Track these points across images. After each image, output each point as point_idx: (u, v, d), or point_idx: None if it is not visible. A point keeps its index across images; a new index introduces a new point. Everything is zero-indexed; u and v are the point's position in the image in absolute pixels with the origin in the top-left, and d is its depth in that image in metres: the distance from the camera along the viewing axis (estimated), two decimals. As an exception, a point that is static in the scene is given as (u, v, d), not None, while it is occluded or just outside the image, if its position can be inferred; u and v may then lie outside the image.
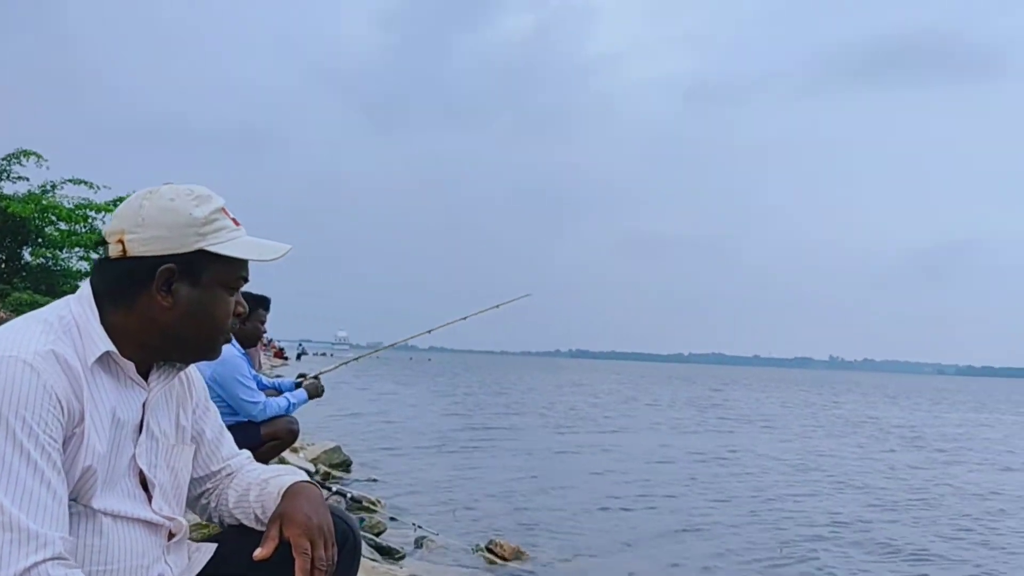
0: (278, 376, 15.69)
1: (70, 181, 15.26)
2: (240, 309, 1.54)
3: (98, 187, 15.23)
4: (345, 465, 9.45)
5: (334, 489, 5.79)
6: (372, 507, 6.99)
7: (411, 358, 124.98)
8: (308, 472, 8.58)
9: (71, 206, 15.16)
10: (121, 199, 15.13)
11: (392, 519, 6.86)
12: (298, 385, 5.69)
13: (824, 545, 6.80)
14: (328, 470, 8.91)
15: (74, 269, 15.38)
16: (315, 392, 5.60)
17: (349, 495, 5.77)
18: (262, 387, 5.59)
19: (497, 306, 6.33)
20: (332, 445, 9.61)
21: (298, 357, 73.39)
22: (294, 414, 5.51)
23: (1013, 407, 39.00)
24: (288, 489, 1.50)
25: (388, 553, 5.50)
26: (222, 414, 5.28)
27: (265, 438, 5.12)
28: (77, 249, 15.31)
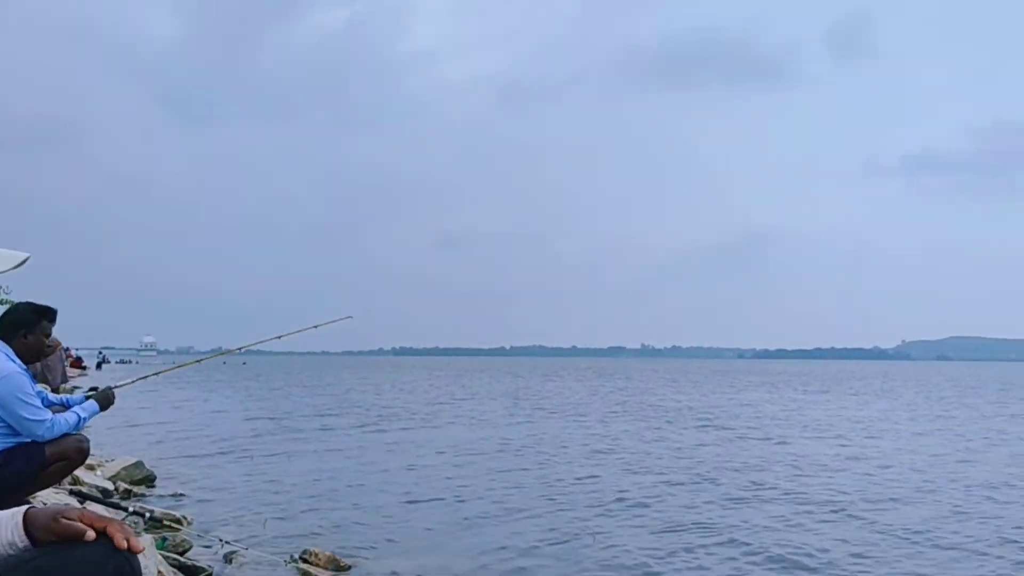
0: (76, 387, 14.61)
1: None
2: None
3: None
4: (148, 480, 8.96)
5: (131, 509, 5.46)
6: (176, 526, 6.68)
7: (224, 362, 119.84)
8: (106, 491, 8.07)
9: None
10: None
11: (199, 535, 6.60)
12: (88, 398, 5.37)
13: (612, 522, 7.23)
14: (129, 487, 8.43)
15: None
16: (106, 402, 5.29)
17: (148, 514, 5.48)
18: (48, 404, 5.22)
19: (316, 326, 6.24)
20: (132, 460, 9.09)
21: (98, 366, 68.59)
22: (85, 430, 5.19)
23: (800, 385, 42.62)
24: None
25: (193, 573, 5.29)
26: (3, 436, 4.88)
27: (51, 459, 4.79)
28: None
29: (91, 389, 5.38)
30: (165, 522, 6.56)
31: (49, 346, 5.40)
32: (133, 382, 5.58)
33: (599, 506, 8.15)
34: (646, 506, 8.16)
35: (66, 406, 5.31)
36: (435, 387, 38.25)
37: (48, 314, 5.05)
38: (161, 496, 8.30)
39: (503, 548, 6.33)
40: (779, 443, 14.21)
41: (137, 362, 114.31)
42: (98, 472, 8.80)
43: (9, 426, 4.68)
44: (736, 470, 10.77)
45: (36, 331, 4.88)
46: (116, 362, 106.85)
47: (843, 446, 13.87)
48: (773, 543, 6.58)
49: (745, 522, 7.36)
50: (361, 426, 16.71)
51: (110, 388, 5.40)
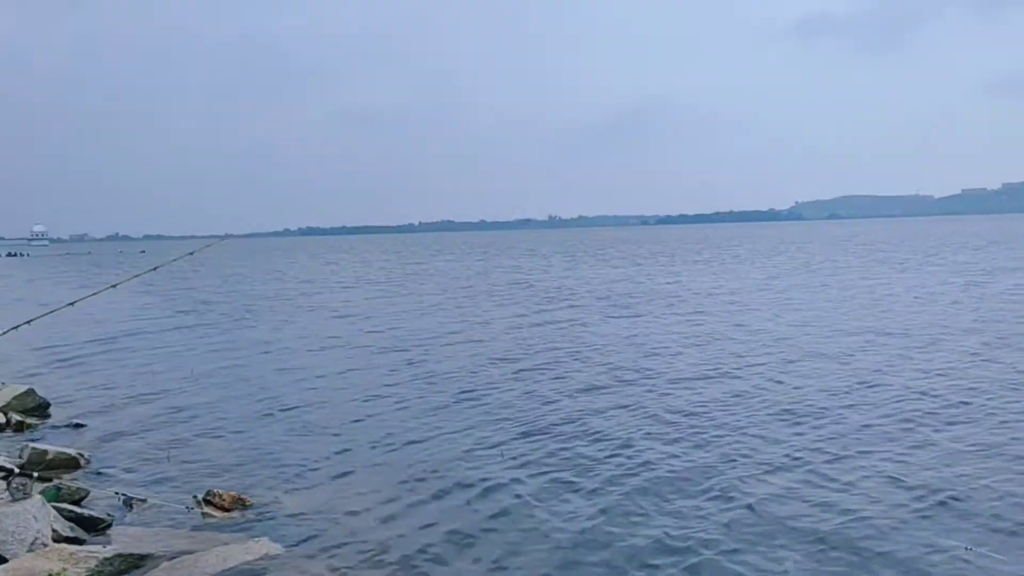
0: None
1: None
2: None
3: None
4: (42, 409, 8.64)
5: (15, 471, 5.13)
6: (69, 471, 6.48)
7: (121, 251, 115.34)
8: (-3, 426, 7.77)
9: None
10: None
11: (96, 475, 6.45)
12: None
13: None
14: (21, 418, 8.12)
15: None
16: None
17: (35, 474, 5.25)
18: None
19: (191, 253, 5.93)
20: (23, 388, 8.71)
21: (-15, 262, 65.01)
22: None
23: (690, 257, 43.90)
24: None
25: (91, 525, 5.17)
26: None
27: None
28: None
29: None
30: (57, 470, 6.37)
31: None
32: (4, 333, 5.26)
33: (486, 417, 8.22)
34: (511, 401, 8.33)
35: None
36: (324, 271, 37.83)
37: None
38: (56, 427, 8.04)
39: (410, 468, 6.41)
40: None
41: (28, 254, 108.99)
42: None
43: None
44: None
45: None
46: (6, 255, 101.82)
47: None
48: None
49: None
50: (256, 324, 16.42)
51: None
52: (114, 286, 6.88)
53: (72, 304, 6.47)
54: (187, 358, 12.39)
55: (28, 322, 5.97)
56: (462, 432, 7.57)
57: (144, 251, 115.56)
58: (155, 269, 7.51)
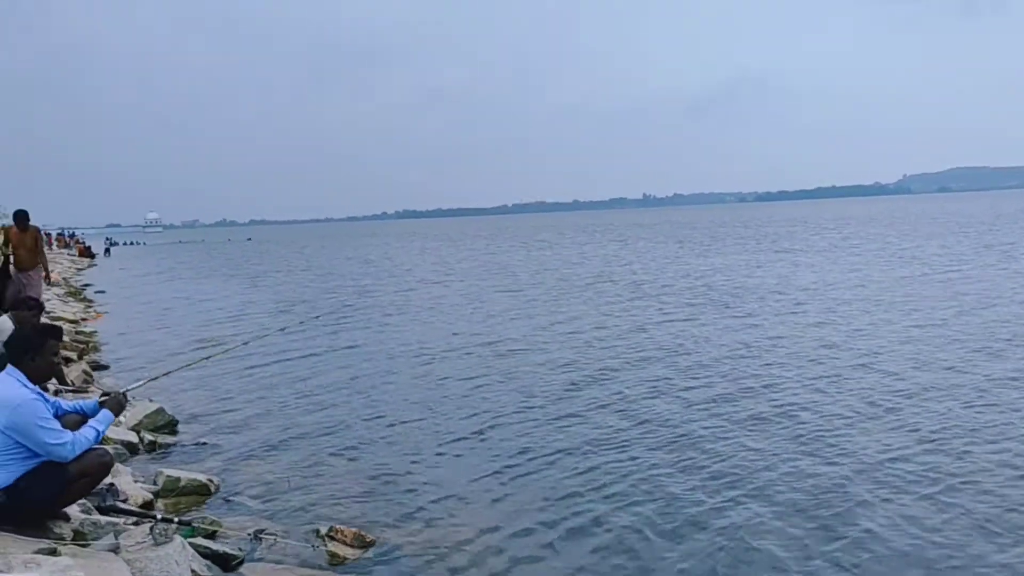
0: (80, 336, 14.66)
1: None
2: None
3: None
4: (171, 426, 9.02)
5: (159, 516, 5.45)
6: (203, 491, 6.79)
7: (229, 239, 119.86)
8: (131, 444, 8.17)
9: None
10: None
11: (225, 501, 6.71)
12: (101, 404, 5.37)
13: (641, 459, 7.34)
14: (153, 437, 8.51)
15: None
16: (119, 408, 5.35)
17: (176, 520, 5.51)
18: (62, 413, 5.21)
19: (242, 343, 6.11)
20: (154, 407, 9.14)
21: (106, 252, 68.73)
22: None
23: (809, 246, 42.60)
24: None
25: (225, 562, 5.39)
26: (23, 458, 4.89)
27: (75, 476, 4.82)
28: None
29: (103, 394, 5.34)
30: (191, 496, 6.68)
31: (58, 364, 5.32)
32: (144, 384, 5.53)
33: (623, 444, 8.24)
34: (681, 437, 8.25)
35: (80, 413, 5.30)
36: (427, 255, 38.35)
37: (53, 332, 5.00)
38: (184, 447, 8.36)
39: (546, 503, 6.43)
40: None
41: (144, 243, 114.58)
42: (121, 420, 8.88)
43: (30, 449, 4.69)
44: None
45: (43, 352, 4.88)
46: (124, 244, 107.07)
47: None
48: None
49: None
50: (357, 327, 16.78)
51: (122, 393, 5.40)
52: (246, 344, 7.14)
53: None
54: (299, 366, 12.69)
55: (166, 374, 6.24)
56: (602, 451, 7.58)
57: (251, 238, 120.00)
58: (282, 330, 7.73)
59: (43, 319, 14.06)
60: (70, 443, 4.74)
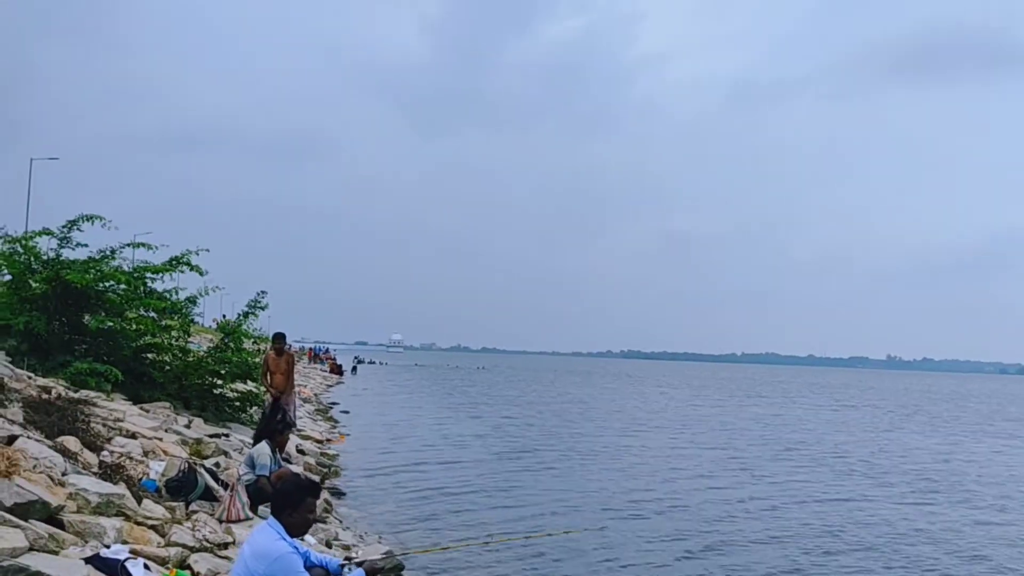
0: (324, 459, 15.49)
1: (129, 245, 15.38)
2: None
3: (155, 247, 15.32)
4: (397, 570, 9.11)
5: None
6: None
7: (457, 366, 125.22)
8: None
9: (130, 269, 15.33)
10: (178, 259, 15.21)
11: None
12: (358, 564, 5.49)
13: None
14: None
15: (132, 330, 15.44)
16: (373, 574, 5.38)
17: None
18: (309, 564, 5.37)
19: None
20: (383, 550, 9.29)
21: (353, 370, 73.98)
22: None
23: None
24: None
25: None
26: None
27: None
28: (137, 312, 15.48)
29: (346, 558, 5.48)
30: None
31: (315, 520, 5.55)
32: (391, 559, 5.57)
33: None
34: None
35: (323, 568, 5.42)
36: (677, 394, 37.43)
37: (312, 490, 5.20)
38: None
39: None
40: None
41: (387, 363, 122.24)
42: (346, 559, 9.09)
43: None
44: None
45: (301, 508, 5.06)
46: (368, 362, 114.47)
47: None
48: None
49: None
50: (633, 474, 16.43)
51: (381, 568, 5.46)
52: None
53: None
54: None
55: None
56: None
57: (483, 367, 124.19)
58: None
59: (293, 436, 15.12)
60: None
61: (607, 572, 9.73)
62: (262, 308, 16.68)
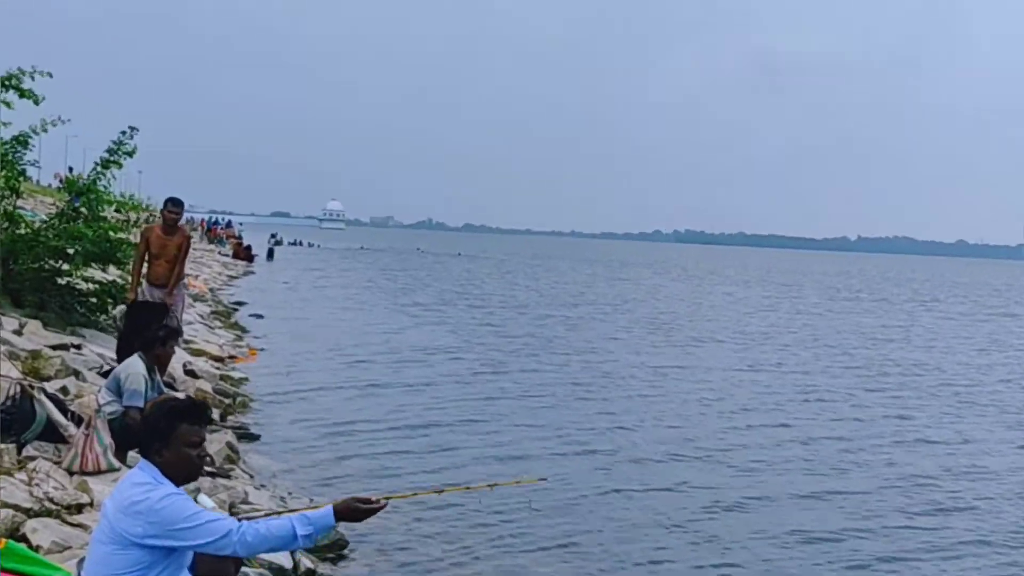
0: (226, 385, 15.71)
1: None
2: None
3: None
4: (339, 548, 9.30)
5: None
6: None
7: (421, 250, 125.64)
8: (281, 571, 8.48)
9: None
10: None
11: None
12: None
13: None
14: (312, 565, 8.78)
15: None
16: (356, 515, 5.26)
17: None
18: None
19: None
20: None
21: (269, 255, 73.92)
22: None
23: None
24: None
25: None
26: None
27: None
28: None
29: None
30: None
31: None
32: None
33: None
34: None
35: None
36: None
37: (190, 413, 5.17)
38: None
39: None
40: None
41: (318, 245, 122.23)
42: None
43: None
44: None
45: (175, 441, 5.04)
46: (290, 243, 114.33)
47: None
48: None
49: None
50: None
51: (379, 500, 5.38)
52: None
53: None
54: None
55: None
56: None
57: (460, 253, 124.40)
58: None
59: (180, 349, 15.16)
60: (237, 531, 4.87)
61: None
62: (129, 154, 16.49)
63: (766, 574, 9.64)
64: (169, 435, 4.99)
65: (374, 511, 5.14)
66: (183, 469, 5.06)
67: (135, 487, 4.95)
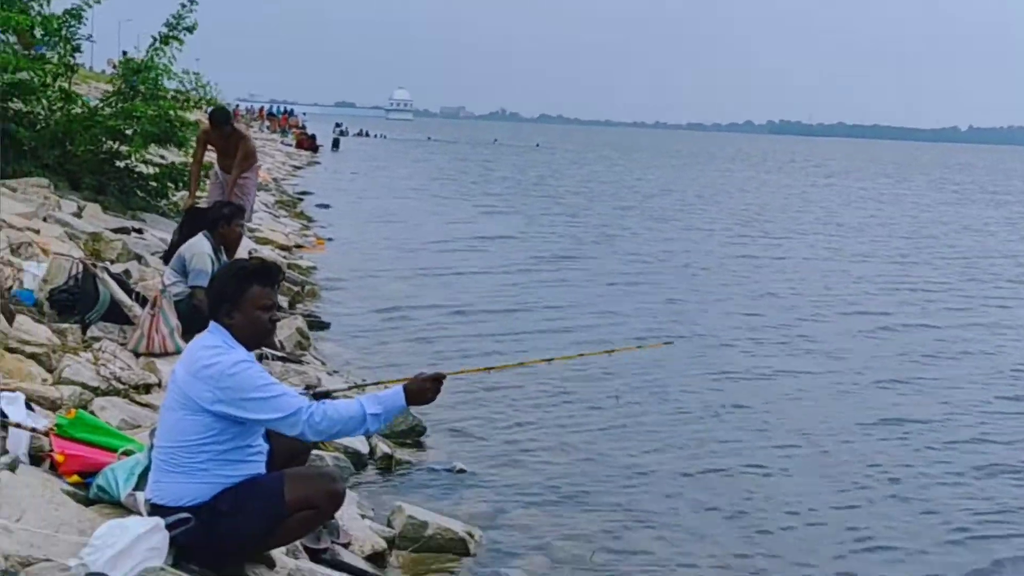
0: (294, 274, 15.83)
1: None
2: None
3: None
4: (416, 434, 9.44)
5: None
6: (458, 548, 6.97)
7: (498, 140, 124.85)
8: (358, 456, 8.60)
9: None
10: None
11: (491, 571, 6.87)
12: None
13: None
14: (389, 449, 8.89)
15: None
16: (424, 397, 5.27)
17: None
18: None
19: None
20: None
21: (335, 145, 73.97)
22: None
23: None
24: None
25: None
26: (217, 467, 5.24)
27: (292, 507, 5.03)
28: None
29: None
30: (440, 553, 6.90)
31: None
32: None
33: None
34: None
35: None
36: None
37: (261, 275, 5.16)
38: (434, 472, 8.72)
39: None
40: None
41: (385, 136, 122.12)
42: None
43: (225, 452, 4.98)
44: None
45: (245, 304, 5.04)
46: (355, 134, 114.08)
47: None
48: None
49: None
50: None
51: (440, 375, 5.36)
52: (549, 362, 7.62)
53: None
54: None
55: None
56: None
57: (539, 144, 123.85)
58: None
59: (245, 237, 15.17)
60: (304, 410, 4.91)
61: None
62: (189, 30, 16.45)
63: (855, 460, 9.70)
64: (239, 297, 5.01)
65: (440, 386, 5.14)
66: (254, 332, 5.10)
67: (205, 350, 5.00)
